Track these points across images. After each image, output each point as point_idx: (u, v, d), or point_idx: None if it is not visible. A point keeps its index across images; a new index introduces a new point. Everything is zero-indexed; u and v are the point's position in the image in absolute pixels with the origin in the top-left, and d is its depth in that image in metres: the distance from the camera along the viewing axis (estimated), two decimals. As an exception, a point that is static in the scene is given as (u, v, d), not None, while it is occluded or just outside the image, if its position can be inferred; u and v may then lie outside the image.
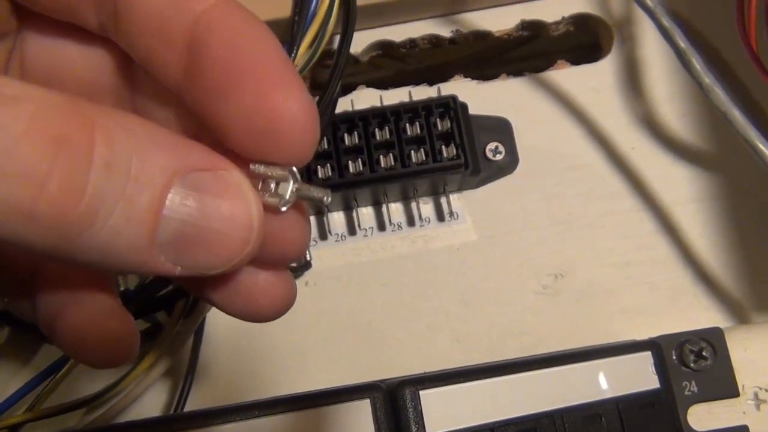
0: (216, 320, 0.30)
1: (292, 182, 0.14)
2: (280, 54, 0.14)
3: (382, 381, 0.22)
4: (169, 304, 0.28)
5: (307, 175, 0.30)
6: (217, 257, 0.13)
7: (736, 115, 0.27)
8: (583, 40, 0.37)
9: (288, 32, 0.29)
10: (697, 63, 0.27)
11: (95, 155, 0.11)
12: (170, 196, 0.12)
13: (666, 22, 0.28)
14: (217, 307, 0.16)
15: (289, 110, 0.13)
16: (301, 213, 0.15)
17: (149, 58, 0.14)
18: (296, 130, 0.13)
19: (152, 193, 0.12)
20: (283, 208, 0.14)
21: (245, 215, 0.13)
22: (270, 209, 0.14)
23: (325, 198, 0.14)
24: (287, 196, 0.14)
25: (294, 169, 0.14)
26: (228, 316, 0.30)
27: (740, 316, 0.31)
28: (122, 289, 0.30)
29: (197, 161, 0.13)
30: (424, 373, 0.23)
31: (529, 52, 0.38)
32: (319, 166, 0.30)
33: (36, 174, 0.11)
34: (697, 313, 0.31)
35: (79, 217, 0.11)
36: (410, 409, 0.21)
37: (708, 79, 0.27)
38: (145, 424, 0.21)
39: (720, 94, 0.27)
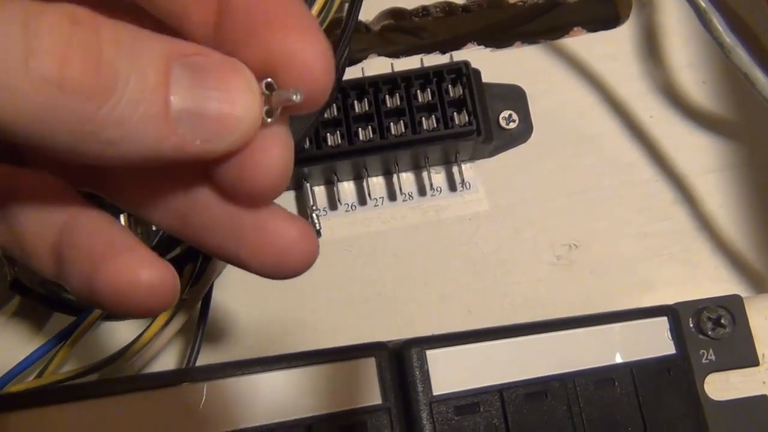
0: (224, 289, 0.30)
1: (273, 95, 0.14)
2: (298, 2, 0.15)
3: (389, 341, 0.22)
4: (176, 269, 0.28)
5: (317, 142, 0.29)
6: (228, 123, 0.14)
7: (759, 75, 0.26)
8: (601, 10, 0.36)
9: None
10: (718, 23, 0.27)
11: (104, 34, 0.13)
12: (173, 73, 0.14)
13: (685, -20, 0.27)
14: (243, 266, 0.17)
15: (308, 53, 0.14)
16: (285, 128, 0.16)
17: (182, 18, 0.15)
18: (315, 72, 0.14)
19: (158, 68, 0.13)
20: (269, 119, 0.15)
21: (244, 80, 0.14)
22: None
23: (294, 96, 0.14)
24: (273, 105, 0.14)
25: (270, 79, 0.14)
26: (236, 285, 0.30)
27: (761, 287, 0.30)
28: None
29: (190, 48, 0.14)
30: (432, 334, 0.22)
31: (548, 24, 0.37)
32: (328, 134, 0.29)
33: (59, 46, 0.12)
34: (717, 285, 0.30)
35: (101, 86, 0.13)
36: (416, 369, 0.20)
37: (729, 39, 0.26)
38: (151, 377, 0.21)
39: (742, 55, 0.26)
